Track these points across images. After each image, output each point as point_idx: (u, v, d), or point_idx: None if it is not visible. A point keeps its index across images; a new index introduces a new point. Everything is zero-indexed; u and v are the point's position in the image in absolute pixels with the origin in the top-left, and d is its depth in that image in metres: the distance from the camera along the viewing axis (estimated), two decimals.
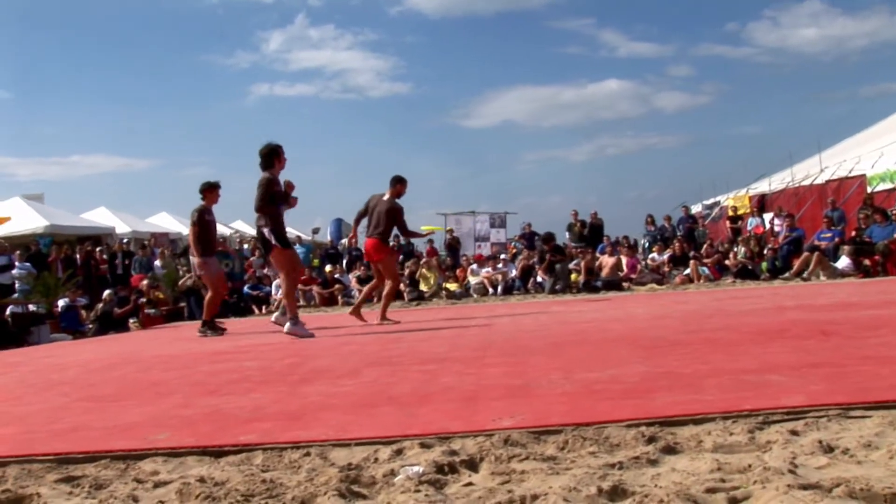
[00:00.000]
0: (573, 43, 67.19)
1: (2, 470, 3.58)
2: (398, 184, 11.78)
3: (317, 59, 70.73)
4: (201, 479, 3.13)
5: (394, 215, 11.37)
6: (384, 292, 11.71)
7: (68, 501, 3.02)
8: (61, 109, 64.76)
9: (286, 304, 10.27)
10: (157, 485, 3.18)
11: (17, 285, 18.23)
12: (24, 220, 24.31)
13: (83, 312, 17.49)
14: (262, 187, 9.96)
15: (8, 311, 16.26)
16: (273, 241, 10.04)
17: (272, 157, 10.21)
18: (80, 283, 19.21)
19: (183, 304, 18.98)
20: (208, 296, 11.95)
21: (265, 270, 22.84)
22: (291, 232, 35.59)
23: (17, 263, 18.89)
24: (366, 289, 12.57)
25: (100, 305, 17.32)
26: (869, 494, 2.43)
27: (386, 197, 11.46)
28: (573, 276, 20.53)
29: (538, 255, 21.49)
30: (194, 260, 11.87)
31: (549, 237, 21.98)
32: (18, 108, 62.17)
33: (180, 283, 19.48)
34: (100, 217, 30.32)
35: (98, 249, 24.01)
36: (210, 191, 11.76)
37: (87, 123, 64.58)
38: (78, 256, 22.02)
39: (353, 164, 71.17)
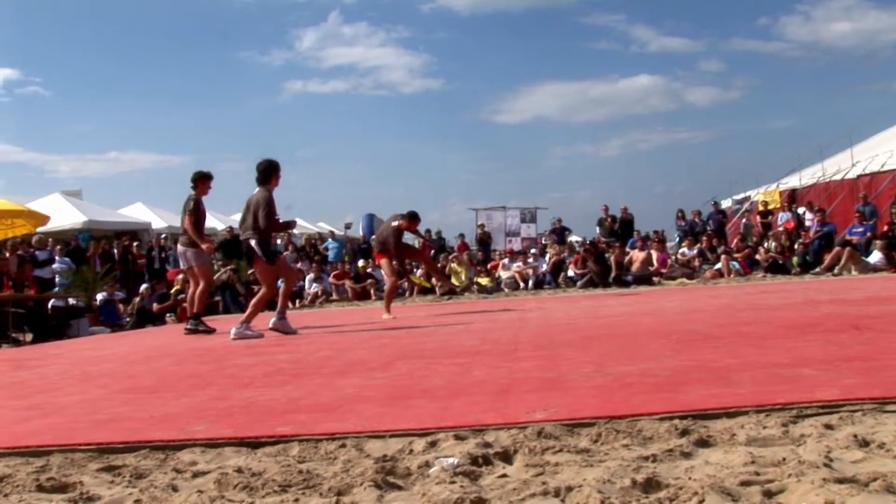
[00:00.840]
0: (604, 38, 67.06)
1: (46, 458, 3.63)
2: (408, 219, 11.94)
3: (350, 56, 70.92)
4: (239, 470, 3.14)
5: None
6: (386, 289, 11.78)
7: (110, 490, 3.04)
8: (99, 107, 65.36)
9: (251, 311, 10.23)
10: (195, 475, 3.19)
11: (57, 279, 18.36)
12: (64, 215, 24.47)
13: (121, 306, 17.62)
14: (265, 205, 9.91)
15: (49, 305, 16.39)
16: (259, 254, 10.01)
17: (270, 172, 10.15)
18: (118, 278, 19.35)
19: (218, 298, 19.06)
20: (200, 288, 11.70)
21: (299, 265, 22.92)
22: (324, 227, 35.81)
23: (56, 258, 19.02)
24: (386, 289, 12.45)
25: (137, 300, 17.45)
26: None
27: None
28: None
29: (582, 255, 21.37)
30: (188, 250, 11.58)
31: (595, 249, 21.79)
32: (58, 106, 62.76)
33: (215, 277, 19.58)
34: (137, 212, 30.54)
35: (135, 244, 24.22)
36: (203, 181, 11.61)
37: (123, 120, 65.14)
38: (115, 251, 22.18)
39: (386, 160, 71.44)
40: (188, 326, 11.42)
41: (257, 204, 9.90)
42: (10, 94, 63.15)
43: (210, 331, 11.14)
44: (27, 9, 64.12)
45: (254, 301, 10.35)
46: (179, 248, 11.96)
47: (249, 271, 17.21)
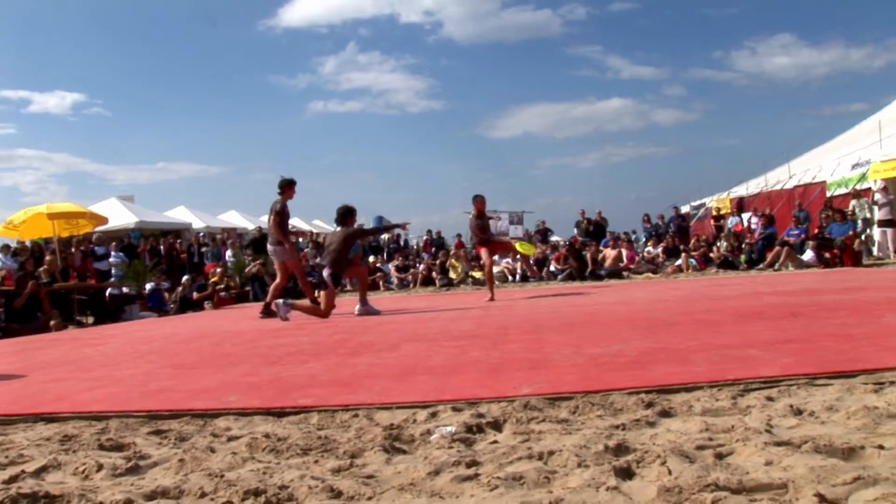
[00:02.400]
0: (584, 66, 67.09)
1: (105, 422, 3.65)
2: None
3: (364, 80, 70.90)
4: (266, 435, 3.14)
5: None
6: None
7: (158, 450, 3.04)
8: (150, 125, 65.53)
9: (360, 293, 10.70)
10: (230, 439, 3.20)
11: (112, 271, 18.35)
12: (119, 217, 24.51)
13: (166, 294, 17.58)
14: (345, 239, 10.25)
15: (106, 293, 16.41)
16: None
17: (346, 216, 10.42)
18: (164, 270, 19.30)
19: (248, 288, 19.06)
20: (276, 282, 11.67)
21: (317, 260, 22.90)
22: (324, 227, 35.67)
23: (112, 253, 19.02)
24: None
25: (179, 289, 17.43)
26: (830, 449, 2.45)
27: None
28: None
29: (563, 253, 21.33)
30: (275, 248, 11.39)
31: (573, 248, 21.72)
32: (116, 124, 62.98)
33: (247, 269, 19.56)
34: (180, 214, 30.53)
35: (178, 241, 24.24)
36: (289, 187, 11.31)
37: (170, 136, 65.29)
38: (162, 248, 22.15)
39: (394, 170, 71.63)
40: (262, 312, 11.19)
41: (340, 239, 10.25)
42: (78, 114, 63.52)
43: (273, 315, 10.82)
44: (93, 43, 64.53)
45: (275, 286, 10.68)
46: (269, 247, 11.76)
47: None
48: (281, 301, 10.15)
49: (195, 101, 67.52)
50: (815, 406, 3.14)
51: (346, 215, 10.36)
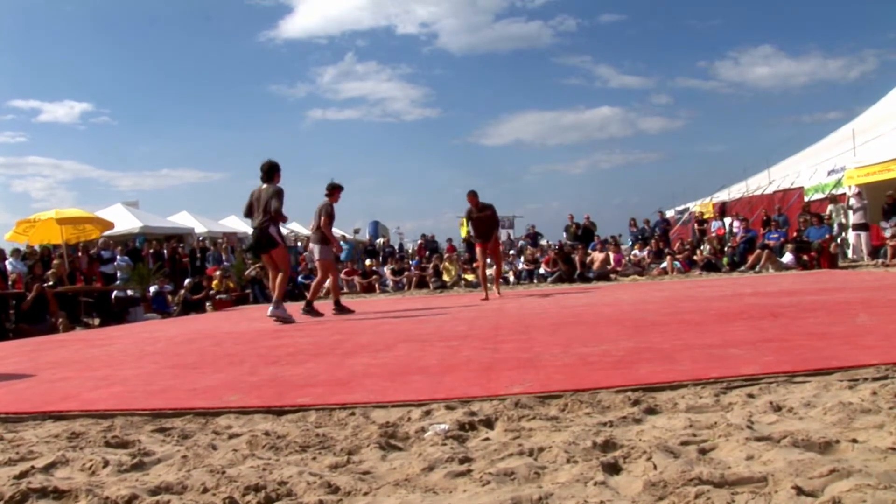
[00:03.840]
0: (574, 76, 67.25)
1: (111, 420, 3.64)
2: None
3: (362, 89, 70.99)
4: (266, 433, 3.14)
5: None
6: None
7: (162, 447, 3.04)
8: (154, 133, 65.54)
9: (279, 292, 9.94)
10: (231, 436, 3.19)
11: (118, 274, 18.35)
12: (124, 222, 24.49)
13: (169, 297, 17.56)
14: (278, 195, 9.76)
15: (112, 295, 16.40)
16: (279, 241, 9.87)
17: (273, 171, 9.93)
18: (167, 273, 19.28)
19: (248, 291, 19.05)
20: (317, 279, 11.59)
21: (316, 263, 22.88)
22: (336, 232, 35.79)
23: (118, 257, 19.02)
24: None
25: (182, 292, 17.42)
26: (808, 443, 2.46)
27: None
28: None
29: (552, 259, 21.34)
30: (316, 246, 11.37)
31: (562, 252, 21.70)
32: (123, 132, 63.05)
33: (246, 273, 19.56)
34: (182, 219, 30.46)
35: (181, 246, 24.22)
36: (337, 190, 11.39)
37: (174, 144, 65.27)
38: (165, 251, 22.13)
39: (390, 176, 71.67)
40: (305, 308, 10.86)
41: (271, 195, 9.73)
42: (86, 122, 63.51)
43: (318, 314, 10.69)
44: (101, 55, 64.57)
45: (278, 283, 10.02)
46: (311, 245, 11.85)
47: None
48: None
49: (198, 110, 67.63)
50: (794, 402, 3.15)
51: (271, 171, 9.91)
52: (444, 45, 70.46)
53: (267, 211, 9.71)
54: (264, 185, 9.90)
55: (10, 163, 61.63)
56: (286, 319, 9.79)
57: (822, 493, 2.01)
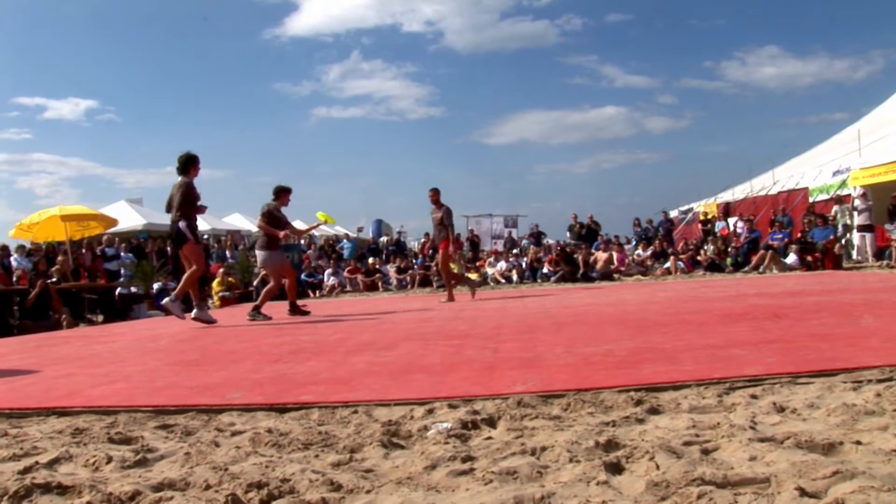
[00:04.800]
0: (579, 75, 66.99)
1: (114, 417, 3.65)
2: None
3: (367, 88, 70.86)
4: (269, 430, 3.14)
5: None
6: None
7: (165, 444, 3.04)
8: (159, 130, 65.36)
9: (191, 291, 9.85)
10: (234, 433, 3.20)
11: (122, 271, 18.38)
12: (128, 219, 24.57)
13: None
14: (182, 188, 9.49)
15: (116, 292, 16.42)
16: (188, 236, 9.54)
17: (189, 164, 9.62)
18: (171, 271, 19.29)
19: (252, 288, 19.06)
20: (269, 286, 11.03)
21: (319, 261, 22.91)
22: (340, 230, 35.86)
23: (121, 254, 19.06)
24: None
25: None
26: (811, 444, 2.46)
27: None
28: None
29: (554, 258, 21.34)
30: (263, 253, 10.87)
31: (564, 253, 21.68)
32: (127, 129, 62.93)
33: (256, 271, 19.63)
34: None
35: None
36: (284, 193, 11.06)
37: (178, 141, 65.02)
38: (169, 249, 22.14)
39: (394, 175, 71.44)
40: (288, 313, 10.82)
41: (178, 188, 9.54)
42: (91, 120, 63.39)
43: (306, 314, 10.68)
44: (105, 52, 64.54)
45: (188, 281, 9.78)
46: (256, 251, 11.49)
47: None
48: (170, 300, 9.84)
49: (203, 107, 67.50)
50: (797, 404, 3.15)
51: (187, 163, 9.63)
52: (449, 43, 70.35)
53: (178, 206, 9.55)
54: (178, 179, 9.70)
55: (14, 160, 61.76)
56: (208, 321, 9.67)
57: (825, 494, 2.01)
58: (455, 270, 21.38)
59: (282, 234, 10.78)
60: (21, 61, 61.57)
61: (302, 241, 26.24)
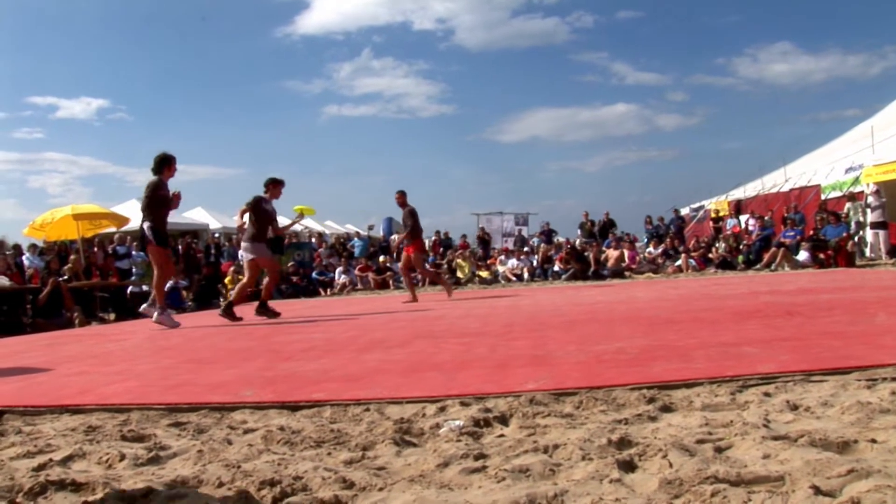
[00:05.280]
0: (590, 72, 66.82)
1: (127, 414, 3.66)
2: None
3: (378, 85, 70.82)
4: (281, 428, 3.14)
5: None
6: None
7: (178, 441, 3.05)
8: (170, 129, 65.46)
9: (156, 294, 9.71)
10: (246, 431, 3.21)
11: (133, 270, 18.44)
12: (139, 217, 24.60)
13: (184, 292, 17.65)
14: (149, 189, 9.48)
15: (127, 291, 16.49)
16: (150, 237, 9.47)
17: (163, 164, 9.54)
18: (182, 269, 19.37)
19: (261, 287, 19.11)
20: (246, 281, 10.78)
21: (330, 260, 22.94)
22: (351, 228, 35.89)
23: (133, 252, 19.11)
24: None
25: (198, 278, 17.57)
26: (825, 443, 2.44)
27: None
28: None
29: (565, 256, 21.31)
30: (247, 245, 10.51)
31: (574, 251, 21.63)
32: (138, 128, 63.11)
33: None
34: (197, 215, 30.57)
35: (196, 241, 24.32)
36: (272, 185, 10.73)
37: (189, 140, 65.16)
38: (180, 247, 22.22)
39: (405, 173, 71.44)
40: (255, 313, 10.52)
41: (145, 189, 9.55)
42: (102, 119, 63.73)
43: (275, 315, 10.38)
44: (117, 52, 64.87)
45: (154, 285, 9.77)
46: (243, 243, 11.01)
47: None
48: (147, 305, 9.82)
49: (214, 106, 67.70)
50: (811, 402, 3.13)
51: (161, 164, 9.55)
52: (460, 41, 70.31)
53: (144, 207, 9.59)
54: (150, 179, 9.64)
55: (27, 159, 62.28)
56: (172, 326, 9.56)
57: (840, 493, 2.00)
58: (466, 269, 21.43)
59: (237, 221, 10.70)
60: (33, 61, 62.03)
61: (313, 240, 26.30)
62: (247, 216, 10.35)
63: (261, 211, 10.44)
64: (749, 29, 63.14)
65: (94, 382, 4.80)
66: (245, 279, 10.81)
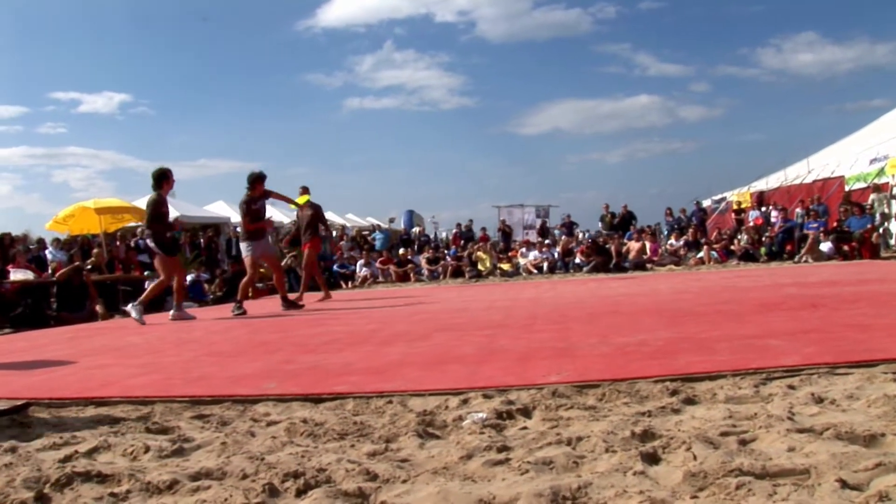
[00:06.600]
0: (612, 63, 66.30)
1: (151, 407, 3.69)
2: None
3: (399, 78, 70.62)
4: (304, 420, 3.16)
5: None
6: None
7: (201, 434, 3.07)
8: (192, 123, 65.74)
9: (146, 294, 10.20)
10: (269, 423, 3.22)
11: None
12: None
13: (206, 285, 17.74)
14: (150, 207, 9.81)
15: (149, 284, 16.62)
16: (157, 251, 9.85)
17: (161, 179, 9.84)
18: (203, 262, 19.47)
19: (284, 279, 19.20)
20: (246, 278, 11.13)
21: (352, 252, 22.99)
22: (372, 221, 35.95)
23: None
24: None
25: (218, 281, 17.62)
26: (852, 436, 2.42)
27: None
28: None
29: (586, 248, 21.24)
30: (245, 244, 10.91)
31: (596, 245, 21.55)
32: (161, 122, 63.32)
33: (283, 262, 19.72)
34: (218, 209, 30.64)
35: (217, 235, 24.45)
36: (257, 183, 10.80)
37: (211, 134, 65.36)
38: (201, 241, 22.38)
39: (426, 165, 71.22)
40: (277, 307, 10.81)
41: (147, 206, 9.92)
42: (125, 113, 63.95)
43: (242, 311, 10.44)
44: (139, 46, 65.05)
45: (151, 286, 10.27)
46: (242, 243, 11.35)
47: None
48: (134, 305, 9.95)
49: (235, 99, 67.70)
50: (836, 394, 3.11)
51: (160, 179, 9.82)
52: (482, 33, 69.96)
53: (147, 223, 9.93)
54: (151, 195, 10.02)
55: (50, 153, 62.62)
56: (139, 321, 9.64)
57: (867, 486, 1.98)
58: (487, 262, 21.42)
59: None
60: (55, 56, 62.45)
61: (334, 233, 26.37)
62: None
63: (251, 212, 10.78)
64: (774, 19, 62.33)
65: (117, 375, 4.84)
66: (246, 277, 11.20)
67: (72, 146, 66.14)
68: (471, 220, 28.05)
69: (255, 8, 66.86)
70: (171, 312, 10.10)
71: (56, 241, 18.56)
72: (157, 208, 9.82)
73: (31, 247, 17.80)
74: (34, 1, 59.17)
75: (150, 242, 9.88)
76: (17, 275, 13.51)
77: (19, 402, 3.83)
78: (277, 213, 34.66)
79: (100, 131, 63.53)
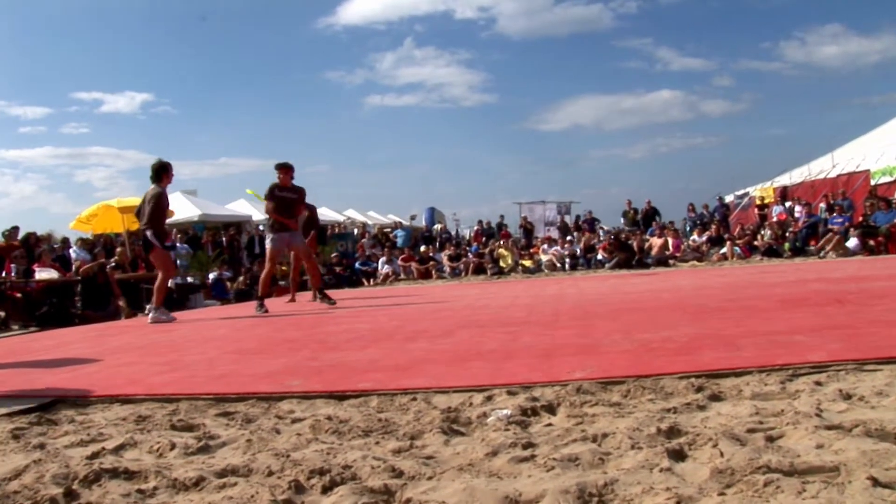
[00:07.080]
0: (633, 58, 65.94)
1: (176, 404, 3.71)
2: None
3: (420, 75, 70.63)
4: (329, 418, 3.16)
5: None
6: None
7: (226, 431, 3.09)
8: (214, 122, 66.14)
9: (156, 295, 9.97)
10: (294, 421, 3.23)
11: (178, 262, 18.71)
12: (183, 210, 24.87)
13: (228, 283, 17.86)
14: (153, 201, 9.71)
15: (173, 282, 16.74)
16: (155, 243, 9.75)
17: (161, 172, 9.81)
18: (226, 260, 19.60)
19: (305, 277, 19.24)
20: (266, 271, 10.97)
21: (374, 250, 23.03)
22: (393, 218, 36.02)
23: (178, 244, 19.38)
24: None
25: (241, 279, 17.70)
26: (882, 433, 2.39)
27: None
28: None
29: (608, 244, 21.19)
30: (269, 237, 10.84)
31: (618, 241, 21.49)
32: (182, 122, 63.78)
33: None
34: (240, 207, 30.81)
35: (239, 233, 24.57)
36: (280, 170, 10.71)
37: (232, 132, 65.73)
38: (224, 239, 22.51)
39: (447, 162, 71.24)
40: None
41: (149, 200, 9.77)
42: (146, 112, 64.40)
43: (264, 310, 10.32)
44: (160, 46, 65.64)
45: (156, 287, 10.03)
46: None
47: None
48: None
49: (257, 98, 67.99)
50: (865, 391, 3.07)
51: (159, 171, 9.81)
52: (502, 29, 69.81)
53: (147, 217, 9.77)
54: (151, 187, 9.92)
55: (73, 153, 63.21)
56: (168, 321, 9.73)
57: None
58: (509, 259, 21.38)
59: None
60: (79, 56, 63.03)
61: (355, 231, 26.44)
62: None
63: (275, 197, 10.61)
64: (797, 11, 61.70)
65: (142, 373, 4.87)
66: (265, 270, 11.01)
67: (95, 146, 66.80)
68: (502, 216, 28.09)
69: (276, 6, 67.06)
70: (150, 315, 9.93)
71: (80, 240, 18.73)
72: (160, 202, 9.80)
73: (55, 246, 17.97)
74: (56, 2, 59.73)
75: (149, 234, 9.77)
76: (42, 274, 13.67)
77: (47, 400, 3.88)
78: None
79: (122, 131, 64.02)
